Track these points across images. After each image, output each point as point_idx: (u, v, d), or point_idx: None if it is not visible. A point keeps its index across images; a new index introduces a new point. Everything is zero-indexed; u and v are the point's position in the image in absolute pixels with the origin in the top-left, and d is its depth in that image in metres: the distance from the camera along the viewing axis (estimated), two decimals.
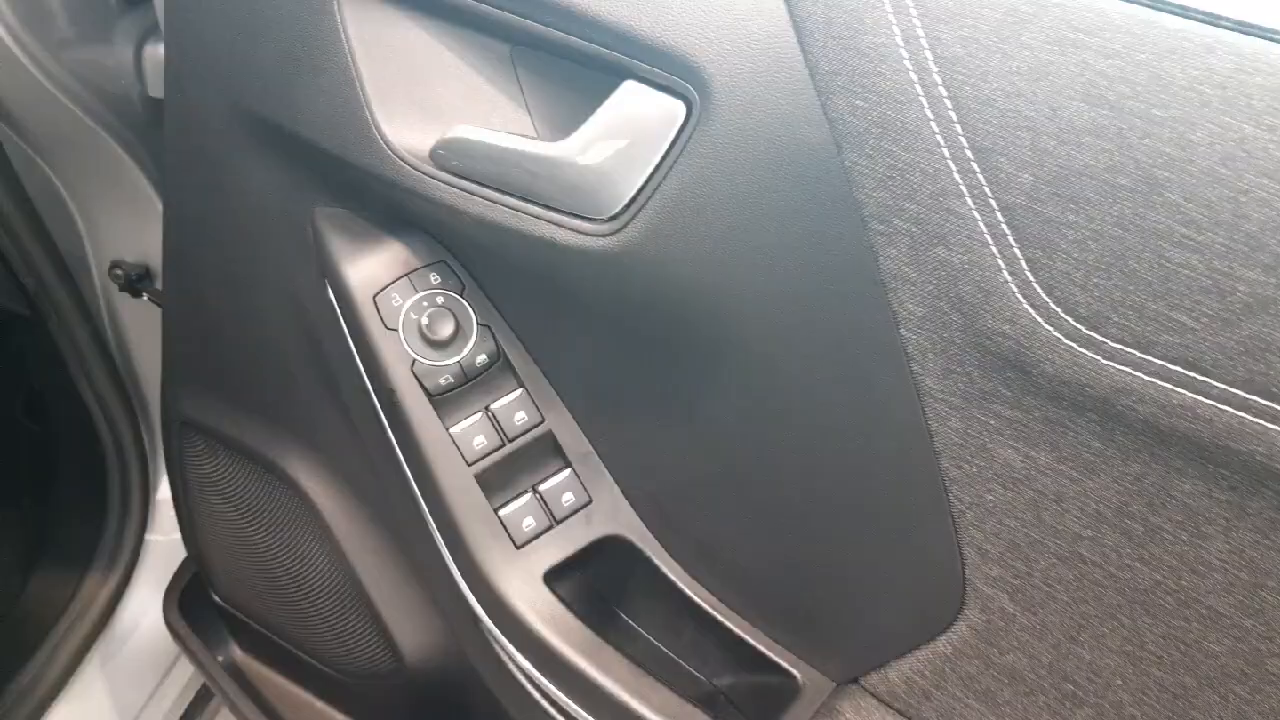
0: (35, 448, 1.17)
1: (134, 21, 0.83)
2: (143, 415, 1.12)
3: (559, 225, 0.55)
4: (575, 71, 0.57)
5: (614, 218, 0.53)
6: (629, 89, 0.52)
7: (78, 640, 1.11)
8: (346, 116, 0.61)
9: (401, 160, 0.60)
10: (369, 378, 0.68)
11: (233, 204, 0.74)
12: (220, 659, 1.07)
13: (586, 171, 0.53)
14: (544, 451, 0.68)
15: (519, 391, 0.67)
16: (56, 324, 1.02)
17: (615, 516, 0.68)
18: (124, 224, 1.01)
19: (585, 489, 0.68)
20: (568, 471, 0.68)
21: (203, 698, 1.24)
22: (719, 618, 0.66)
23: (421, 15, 0.60)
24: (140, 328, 1.08)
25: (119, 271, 1.03)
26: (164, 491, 1.14)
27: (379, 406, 0.69)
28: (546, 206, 0.55)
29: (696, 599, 0.66)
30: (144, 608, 1.16)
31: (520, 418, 0.67)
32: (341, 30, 0.59)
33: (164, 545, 1.16)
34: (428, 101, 0.61)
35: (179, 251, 0.83)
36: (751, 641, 0.66)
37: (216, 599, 1.02)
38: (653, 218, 0.52)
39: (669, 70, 0.49)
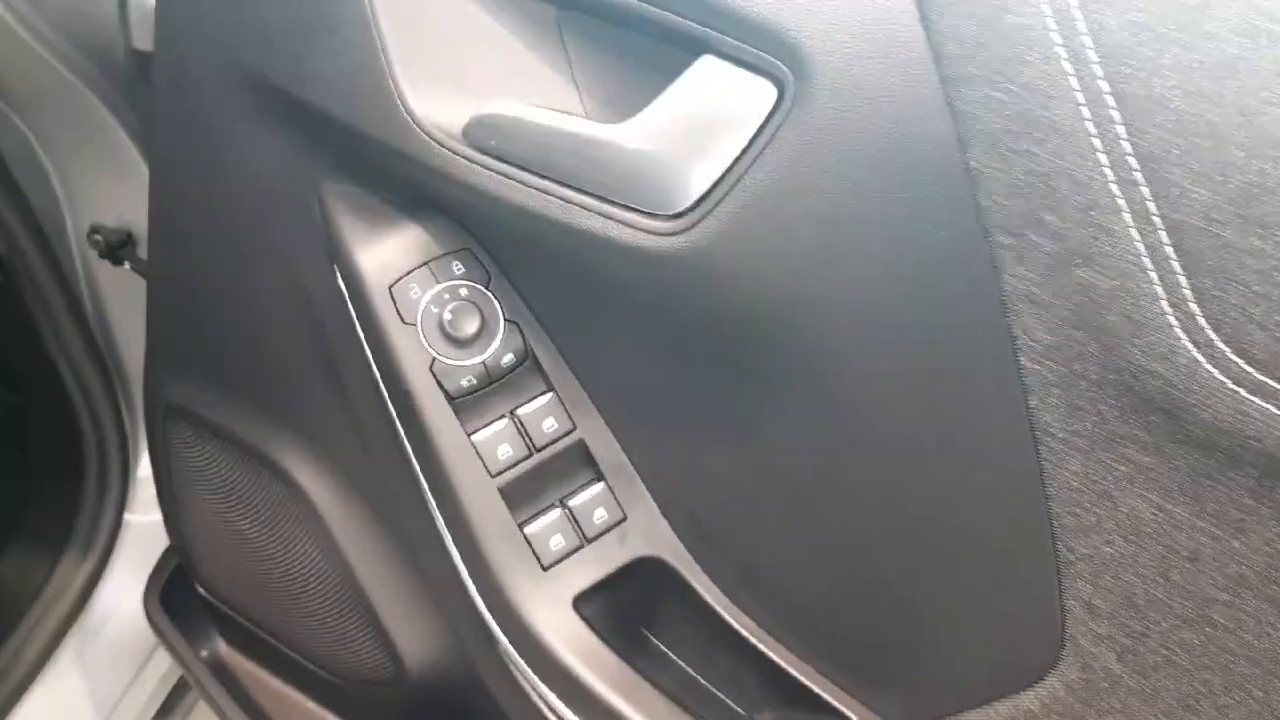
0: (7, 422, 1.11)
1: None
2: (122, 389, 1.07)
3: (614, 220, 0.48)
4: (633, 42, 0.50)
5: (681, 214, 0.46)
6: (707, 65, 0.45)
7: (52, 626, 1.06)
8: (364, 84, 0.54)
9: (428, 136, 0.53)
10: (382, 375, 0.62)
11: (228, 174, 0.67)
12: (204, 654, 1.01)
13: (651, 160, 0.46)
14: (574, 463, 0.62)
15: (548, 396, 0.61)
16: (31, 292, 0.96)
17: (651, 536, 0.61)
18: (104, 186, 0.96)
19: (619, 505, 0.61)
20: (600, 485, 0.61)
21: (182, 687, 1.20)
22: (764, 649, 0.60)
23: None
24: (121, 297, 1.03)
25: (98, 237, 0.98)
26: (144, 469, 1.10)
27: (392, 407, 0.63)
28: (599, 197, 0.48)
29: (739, 628, 0.60)
30: (122, 592, 1.11)
31: (549, 425, 0.61)
32: None
33: (143, 526, 1.10)
34: (459, 70, 0.54)
35: (166, 223, 0.75)
36: (799, 677, 0.60)
37: (201, 591, 0.96)
38: (729, 217, 0.45)
39: (758, 46, 0.42)
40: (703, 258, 0.46)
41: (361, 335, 0.62)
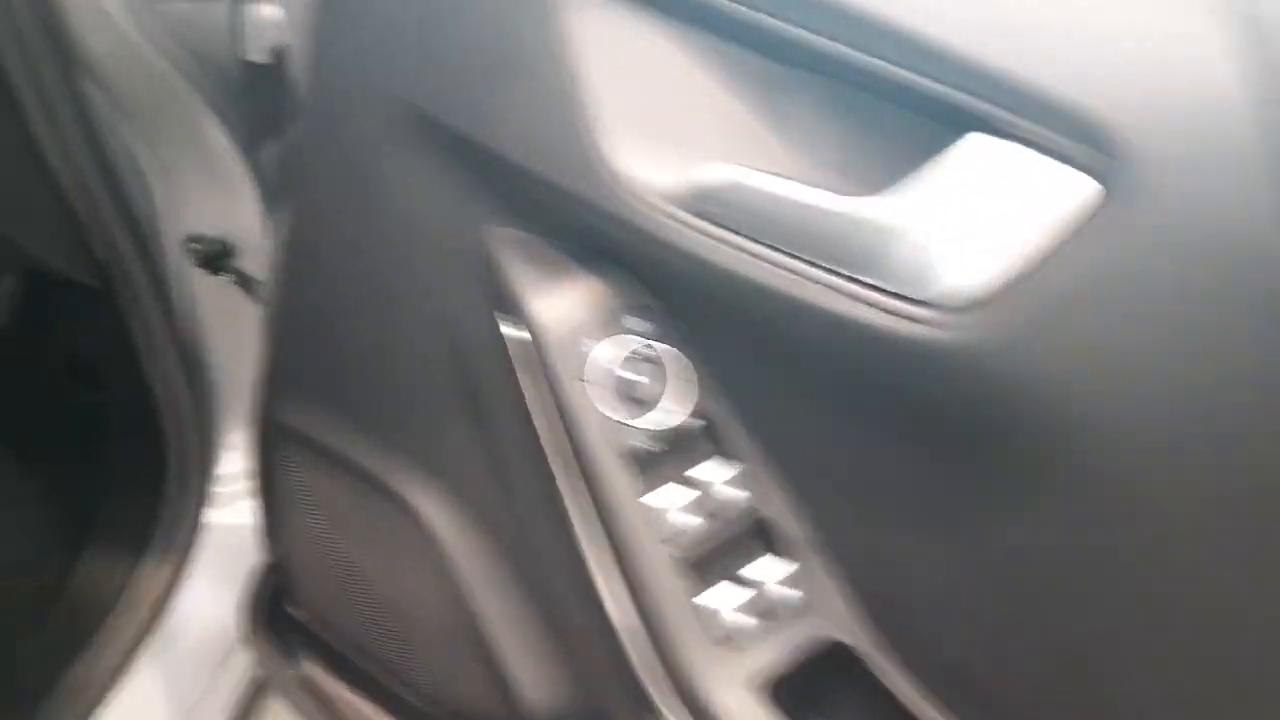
0: (90, 422, 1.08)
1: None
2: (209, 394, 1.04)
3: (861, 301, 0.44)
4: (866, 107, 0.46)
5: (957, 308, 0.42)
6: (987, 145, 0.40)
7: (133, 632, 1.04)
8: (560, 133, 0.51)
9: (635, 197, 0.49)
10: (546, 431, 0.58)
11: (379, 207, 0.63)
12: (291, 673, 0.99)
13: (917, 242, 0.42)
14: (752, 535, 0.58)
15: (727, 464, 0.57)
16: (127, 296, 0.94)
17: (835, 618, 0.57)
18: (206, 194, 0.94)
19: (800, 582, 0.58)
20: (779, 561, 0.58)
21: (259, 694, 1.17)
22: None
23: (672, 20, 0.48)
24: (212, 305, 1.01)
25: (197, 245, 0.95)
26: (223, 467, 1.06)
27: (553, 462, 0.59)
28: (844, 275, 0.44)
29: None
30: (201, 595, 1.08)
31: (727, 493, 0.57)
32: (563, 29, 0.49)
33: (223, 528, 1.08)
34: (667, 126, 0.50)
35: (298, 247, 0.72)
36: None
37: (292, 611, 0.94)
38: (1025, 315, 0.40)
39: (1067, 134, 0.38)
40: (975, 353, 0.42)
41: (525, 389, 0.58)
